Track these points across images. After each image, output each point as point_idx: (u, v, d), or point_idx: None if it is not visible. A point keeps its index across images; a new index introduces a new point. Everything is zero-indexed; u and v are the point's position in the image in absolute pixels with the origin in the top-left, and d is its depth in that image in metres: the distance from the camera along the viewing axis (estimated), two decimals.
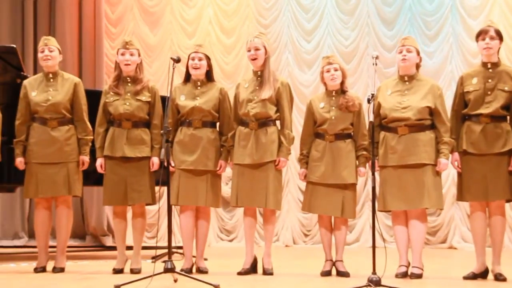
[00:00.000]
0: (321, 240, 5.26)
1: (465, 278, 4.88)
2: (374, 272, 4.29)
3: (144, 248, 5.53)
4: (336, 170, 5.08)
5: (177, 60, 4.79)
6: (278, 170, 5.14)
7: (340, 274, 5.09)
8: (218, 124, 5.31)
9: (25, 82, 5.40)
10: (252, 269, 5.17)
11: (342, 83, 5.20)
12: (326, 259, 5.19)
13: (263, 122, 5.11)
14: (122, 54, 5.22)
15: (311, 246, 8.30)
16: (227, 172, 5.46)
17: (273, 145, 5.10)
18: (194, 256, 5.29)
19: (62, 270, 5.27)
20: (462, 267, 5.39)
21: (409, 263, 4.98)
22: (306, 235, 8.50)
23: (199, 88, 5.24)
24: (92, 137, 5.31)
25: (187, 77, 5.31)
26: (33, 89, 5.30)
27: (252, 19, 8.77)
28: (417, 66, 5.07)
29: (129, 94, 5.20)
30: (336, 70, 5.16)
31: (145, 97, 5.22)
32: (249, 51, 5.16)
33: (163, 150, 4.51)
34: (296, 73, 8.66)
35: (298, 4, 8.75)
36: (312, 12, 8.73)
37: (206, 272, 5.18)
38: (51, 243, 5.46)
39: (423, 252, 4.99)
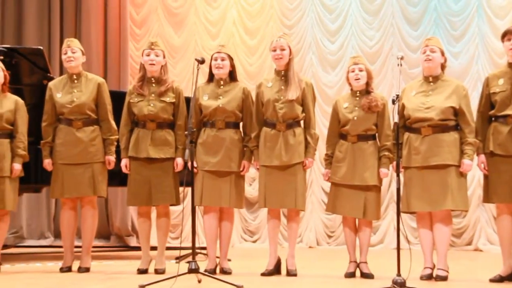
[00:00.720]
0: (345, 241, 5.24)
1: (492, 280, 4.83)
2: (398, 274, 4.27)
3: (168, 248, 5.55)
4: (358, 171, 5.06)
5: (202, 61, 4.81)
6: (304, 171, 5.14)
7: (364, 275, 5.06)
8: (241, 124, 5.32)
9: (50, 84, 5.46)
10: (276, 270, 5.17)
11: (368, 84, 5.17)
12: (350, 260, 5.17)
13: (291, 123, 5.10)
14: (147, 55, 5.25)
15: (335, 247, 8.26)
16: (250, 173, 5.47)
17: (301, 146, 5.10)
18: (217, 257, 5.30)
19: (87, 270, 5.31)
20: (488, 270, 5.34)
21: (434, 265, 4.94)
22: (329, 236, 8.47)
23: (222, 87, 5.26)
24: (117, 137, 5.35)
25: (211, 77, 5.33)
26: (58, 91, 5.35)
27: (276, 20, 8.77)
28: (442, 66, 5.03)
29: (153, 95, 5.23)
30: (361, 70, 5.14)
31: (169, 98, 5.24)
32: (274, 50, 5.16)
33: (187, 151, 4.53)
34: (320, 74, 8.63)
35: (322, 4, 8.73)
36: (336, 13, 8.69)
37: (229, 273, 5.19)
38: (77, 243, 5.51)
39: (448, 254, 4.95)
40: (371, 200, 5.09)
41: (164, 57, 5.30)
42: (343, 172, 5.09)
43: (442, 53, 5.00)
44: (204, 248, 5.83)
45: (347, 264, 5.17)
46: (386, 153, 5.10)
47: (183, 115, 5.26)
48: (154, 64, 5.23)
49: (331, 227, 8.45)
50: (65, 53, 5.36)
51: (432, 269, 4.93)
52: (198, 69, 4.74)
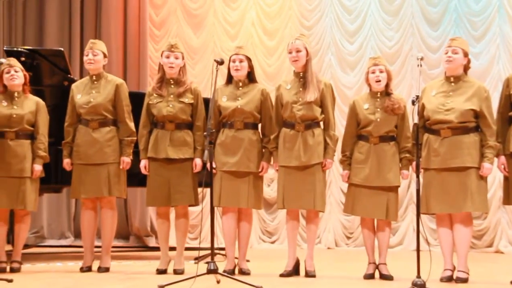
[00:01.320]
0: (364, 243, 5.22)
1: None
2: (418, 276, 4.24)
3: (187, 249, 5.57)
4: (381, 173, 5.04)
5: (221, 62, 4.82)
6: (323, 171, 5.13)
7: (384, 277, 5.04)
8: (260, 125, 5.32)
9: (73, 85, 5.52)
10: (295, 271, 5.17)
11: (387, 85, 5.15)
12: (369, 262, 5.15)
13: (309, 124, 5.10)
14: (167, 57, 5.26)
15: (353, 248, 8.23)
16: (269, 174, 5.46)
17: (320, 147, 5.09)
18: (236, 258, 5.30)
19: (107, 270, 5.34)
20: (509, 272, 5.29)
21: (454, 267, 4.90)
22: (348, 238, 8.44)
23: (240, 89, 5.26)
24: (134, 138, 5.37)
25: (229, 79, 5.34)
26: (79, 92, 5.40)
27: (294, 21, 8.76)
28: (465, 68, 4.95)
29: (172, 96, 5.25)
30: (381, 71, 5.12)
31: (188, 99, 5.26)
32: (290, 53, 5.16)
33: (206, 152, 4.54)
34: (339, 74, 8.61)
35: (341, 5, 8.70)
36: (356, 13, 8.67)
37: (248, 274, 5.19)
38: (96, 243, 5.55)
39: (468, 256, 4.91)
40: (393, 201, 5.07)
41: (183, 58, 5.32)
42: (366, 174, 5.06)
43: (465, 55, 4.91)
44: (222, 249, 5.84)
45: (366, 265, 5.16)
46: (407, 154, 5.07)
47: (202, 116, 5.27)
48: (173, 67, 5.25)
49: (350, 228, 8.42)
50: (87, 55, 5.41)
51: (453, 271, 4.89)
52: (217, 70, 4.75)
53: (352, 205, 5.16)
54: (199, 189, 5.34)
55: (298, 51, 5.12)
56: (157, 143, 5.21)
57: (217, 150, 5.18)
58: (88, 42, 5.52)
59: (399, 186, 5.13)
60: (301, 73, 5.17)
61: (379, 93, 5.15)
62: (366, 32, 8.60)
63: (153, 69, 8.56)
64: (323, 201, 5.13)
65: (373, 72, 5.12)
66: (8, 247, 5.62)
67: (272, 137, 5.20)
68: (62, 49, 6.59)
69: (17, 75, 5.34)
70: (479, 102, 4.84)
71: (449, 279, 4.84)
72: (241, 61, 5.24)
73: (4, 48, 6.51)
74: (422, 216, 4.55)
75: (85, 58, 5.42)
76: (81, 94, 5.39)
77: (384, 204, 5.04)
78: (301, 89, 5.13)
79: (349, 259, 6.92)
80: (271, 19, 8.85)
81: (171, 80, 5.29)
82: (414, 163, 4.90)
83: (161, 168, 5.21)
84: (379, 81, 5.10)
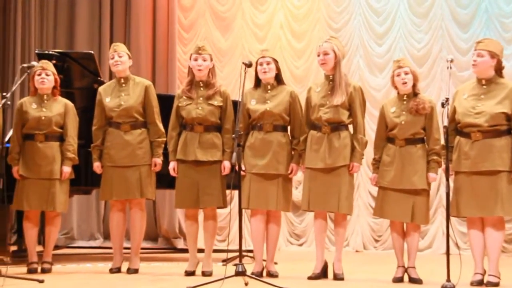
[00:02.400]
0: (393, 246, 5.19)
1: None
2: (448, 280, 4.21)
3: (215, 251, 5.58)
4: (406, 175, 5.01)
5: (249, 65, 4.84)
6: (350, 174, 5.11)
7: (413, 280, 5.00)
8: (289, 127, 5.32)
9: (100, 88, 5.55)
10: (323, 274, 5.15)
11: (414, 86, 5.11)
12: (398, 265, 5.11)
13: (336, 126, 5.09)
14: (195, 60, 5.29)
15: (382, 251, 8.19)
16: (297, 176, 5.46)
17: (346, 150, 5.07)
18: (264, 260, 5.30)
19: (136, 271, 5.38)
20: None
21: (485, 271, 4.84)
22: (377, 241, 8.39)
23: (269, 91, 5.27)
24: (164, 139, 5.41)
25: (257, 82, 5.35)
26: (107, 95, 5.44)
27: (323, 23, 8.74)
28: (497, 69, 4.87)
29: (201, 99, 5.27)
30: (406, 73, 5.08)
31: (217, 101, 5.28)
32: (318, 55, 5.16)
33: (234, 154, 4.55)
34: (367, 77, 8.57)
35: (369, 7, 8.66)
36: (384, 15, 8.62)
37: (276, 276, 5.19)
38: (125, 244, 5.59)
39: (500, 260, 4.85)
40: (420, 204, 5.03)
41: (211, 60, 5.34)
42: (391, 176, 5.04)
43: (493, 56, 4.83)
44: (250, 251, 5.84)
45: (394, 268, 5.12)
46: (435, 157, 5.03)
47: (230, 119, 5.29)
48: (201, 70, 5.28)
49: (378, 231, 8.37)
50: (112, 58, 5.45)
51: (483, 275, 4.83)
52: (245, 73, 4.76)
53: (380, 208, 5.14)
54: (227, 191, 5.35)
55: (325, 53, 5.11)
56: (186, 145, 5.24)
57: (246, 153, 5.19)
58: (111, 46, 5.57)
59: (427, 190, 5.08)
60: (330, 76, 5.16)
61: (405, 96, 5.11)
62: (394, 34, 8.55)
63: (181, 72, 8.60)
64: (349, 204, 5.09)
65: (398, 75, 5.10)
66: (39, 248, 5.69)
67: (301, 138, 5.20)
68: (92, 52, 6.66)
69: (47, 79, 5.41)
70: (510, 105, 4.77)
71: (480, 283, 4.78)
72: (268, 63, 5.24)
73: (36, 51, 6.61)
74: (451, 219, 4.50)
75: (111, 61, 5.46)
76: (109, 97, 5.43)
77: (409, 207, 5.00)
78: (329, 92, 5.12)
79: (377, 262, 6.88)
80: (299, 21, 8.84)
81: (200, 83, 5.32)
82: (443, 166, 4.86)
83: (190, 170, 5.24)
84: (405, 83, 5.07)
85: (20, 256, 6.04)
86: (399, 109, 5.10)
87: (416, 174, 5.00)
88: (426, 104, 5.03)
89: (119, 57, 5.43)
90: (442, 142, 4.95)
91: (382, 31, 8.62)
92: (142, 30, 8.74)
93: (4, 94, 4.88)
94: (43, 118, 5.35)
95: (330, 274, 5.15)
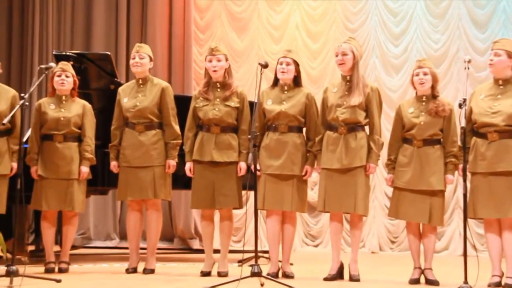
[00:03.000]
0: (409, 247, 5.17)
1: None
2: (465, 282, 4.18)
3: (231, 251, 5.59)
4: (424, 176, 4.98)
5: (265, 66, 4.83)
6: (366, 175, 5.09)
7: (429, 282, 4.97)
8: (304, 129, 5.32)
9: (120, 89, 5.59)
10: (339, 275, 5.14)
11: (433, 87, 5.09)
12: (415, 266, 5.09)
13: (352, 127, 5.08)
14: (209, 61, 5.30)
15: (398, 253, 8.16)
16: (312, 177, 5.45)
17: (362, 150, 5.06)
18: (280, 261, 5.30)
19: (152, 271, 5.40)
20: None
21: (502, 273, 4.81)
22: (393, 242, 8.36)
23: (286, 92, 5.26)
24: (180, 141, 5.42)
25: (275, 82, 5.35)
26: (125, 96, 5.47)
27: (339, 23, 8.72)
28: None
29: (218, 100, 5.28)
30: (425, 74, 5.06)
31: (233, 102, 5.29)
32: (336, 55, 5.15)
33: (250, 155, 4.55)
34: (383, 77, 8.54)
35: (386, 7, 8.64)
36: (401, 16, 8.59)
37: (292, 277, 5.18)
38: (142, 245, 5.61)
39: None
40: (437, 205, 5.01)
41: (226, 60, 5.34)
42: (408, 177, 5.02)
43: (509, 55, 4.79)
44: (266, 252, 5.85)
45: (410, 270, 5.10)
46: (452, 159, 5.00)
47: (247, 120, 5.29)
48: (216, 71, 5.28)
49: (394, 233, 8.34)
50: (133, 58, 5.48)
51: (501, 277, 4.79)
52: (261, 73, 4.76)
53: (396, 209, 5.11)
54: (243, 192, 5.36)
55: (344, 54, 5.11)
56: (202, 146, 5.25)
57: (262, 153, 5.20)
58: (134, 46, 5.59)
59: (444, 191, 5.06)
60: (347, 77, 5.15)
61: (424, 97, 5.09)
62: (411, 35, 8.52)
63: (197, 73, 8.63)
64: (365, 205, 5.08)
65: (417, 75, 5.08)
66: (56, 248, 5.72)
67: (316, 139, 5.19)
68: (109, 53, 6.69)
69: (66, 81, 5.44)
70: None
71: (497, 285, 4.75)
72: (288, 64, 5.24)
73: (54, 52, 6.65)
74: (468, 221, 4.48)
75: (131, 61, 5.49)
76: (127, 97, 5.46)
77: (427, 209, 4.98)
78: (346, 92, 5.11)
79: (393, 264, 6.86)
80: (315, 22, 8.83)
81: (217, 84, 5.33)
82: (460, 167, 4.83)
83: (206, 171, 5.25)
84: (423, 83, 5.05)
85: (37, 256, 6.09)
86: (417, 109, 5.07)
87: (434, 175, 4.98)
88: (445, 106, 5.01)
89: (140, 59, 5.45)
90: (459, 144, 4.93)
91: (398, 32, 8.59)
92: (158, 31, 8.78)
93: (22, 94, 4.92)
94: (62, 118, 5.39)
95: (346, 275, 5.14)
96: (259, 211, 4.94)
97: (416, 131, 5.04)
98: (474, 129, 4.88)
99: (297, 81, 5.31)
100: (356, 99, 5.05)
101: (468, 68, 4.57)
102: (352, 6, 8.72)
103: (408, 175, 5.02)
